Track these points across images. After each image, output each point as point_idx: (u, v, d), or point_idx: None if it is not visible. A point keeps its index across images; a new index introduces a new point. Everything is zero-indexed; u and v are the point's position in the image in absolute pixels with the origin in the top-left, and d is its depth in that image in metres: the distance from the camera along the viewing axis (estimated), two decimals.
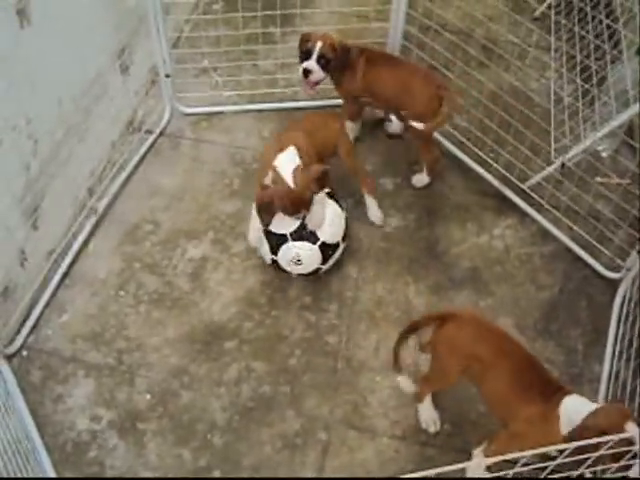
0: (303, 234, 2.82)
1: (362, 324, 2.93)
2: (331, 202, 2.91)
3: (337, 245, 2.91)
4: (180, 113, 3.54)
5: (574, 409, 2.18)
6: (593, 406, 2.18)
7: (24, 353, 2.82)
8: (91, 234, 3.12)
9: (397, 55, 3.41)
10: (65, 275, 3.00)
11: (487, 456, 2.49)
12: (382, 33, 3.50)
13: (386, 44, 3.41)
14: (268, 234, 2.85)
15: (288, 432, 2.66)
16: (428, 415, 2.67)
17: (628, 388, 2.57)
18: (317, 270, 2.92)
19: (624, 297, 2.96)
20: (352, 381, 2.78)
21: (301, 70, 3.10)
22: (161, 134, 3.47)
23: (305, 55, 3.10)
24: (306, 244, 2.82)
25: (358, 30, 3.67)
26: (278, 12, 3.39)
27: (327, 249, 2.87)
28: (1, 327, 2.72)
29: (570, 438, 2.09)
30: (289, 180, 2.68)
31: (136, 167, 3.34)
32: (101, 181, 3.18)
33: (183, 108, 3.52)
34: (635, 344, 2.64)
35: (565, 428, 2.17)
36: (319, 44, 3.04)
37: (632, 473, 2.02)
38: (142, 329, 2.88)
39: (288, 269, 2.90)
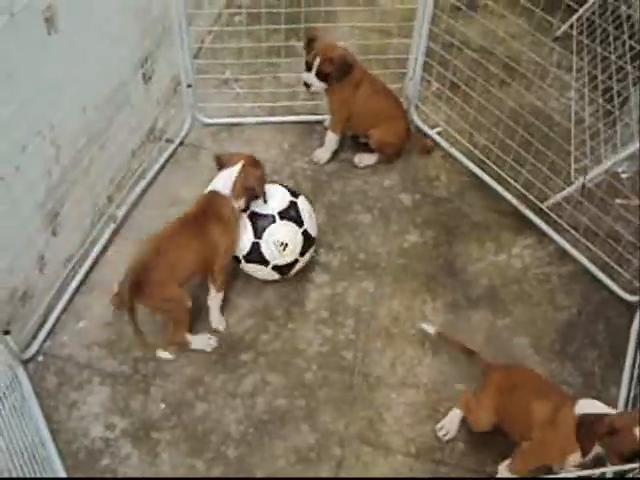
0: (290, 214, 2.84)
1: (378, 340, 2.92)
2: (283, 224, 2.83)
3: (314, 240, 2.94)
4: (200, 123, 3.56)
5: (589, 407, 2.29)
6: (608, 409, 2.29)
7: (40, 358, 2.82)
8: (109, 242, 3.13)
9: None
10: (82, 282, 3.00)
11: (513, 471, 2.50)
12: (404, 49, 3.51)
13: (408, 60, 3.42)
14: (253, 216, 2.82)
15: (302, 446, 2.65)
16: (451, 425, 2.69)
17: None
18: (293, 264, 2.90)
19: None
20: (368, 397, 2.77)
21: (302, 79, 3.23)
22: (181, 144, 3.49)
23: (307, 66, 3.20)
24: (292, 225, 2.83)
25: (379, 46, 3.69)
26: (302, 25, 3.42)
27: (308, 239, 2.89)
28: (18, 331, 2.72)
29: (580, 422, 2.22)
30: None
31: (155, 176, 3.35)
32: (120, 189, 3.19)
33: (204, 118, 3.54)
34: None
35: None
36: (317, 61, 3.13)
37: None
38: (158, 338, 2.87)
39: (267, 256, 2.84)
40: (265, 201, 2.78)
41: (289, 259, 2.89)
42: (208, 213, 2.69)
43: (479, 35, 3.62)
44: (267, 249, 2.83)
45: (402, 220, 3.28)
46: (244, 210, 2.80)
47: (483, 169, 3.43)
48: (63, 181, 2.77)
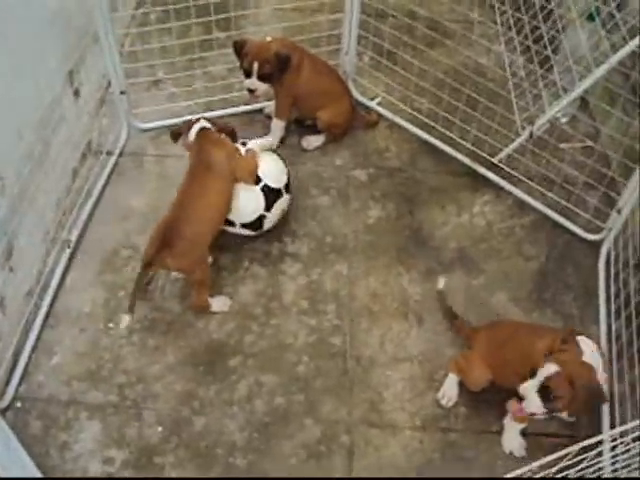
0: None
1: (363, 321, 2.90)
2: (269, 152, 2.99)
3: (279, 191, 2.94)
4: (138, 130, 3.40)
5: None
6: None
7: (18, 404, 2.65)
8: (67, 268, 2.96)
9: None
10: (47, 315, 2.84)
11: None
12: (332, 26, 3.47)
13: (341, 35, 3.37)
14: None
15: (310, 441, 2.61)
16: (451, 391, 2.72)
17: (635, 347, 2.63)
18: (260, 219, 2.92)
19: (608, 257, 3.05)
20: (364, 379, 2.76)
21: (245, 87, 3.16)
22: (122, 154, 3.33)
23: (245, 72, 3.13)
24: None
25: (305, 25, 3.62)
26: (222, 16, 3.32)
27: (270, 194, 2.90)
28: None
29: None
30: None
31: (102, 191, 3.19)
32: (70, 211, 3.02)
33: (140, 124, 3.39)
34: (633, 302, 2.71)
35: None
36: (255, 65, 3.07)
37: None
38: (140, 359, 2.76)
39: (232, 218, 2.91)
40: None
41: (253, 216, 2.91)
42: (207, 147, 2.80)
43: (398, 2, 3.59)
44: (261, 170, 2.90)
45: (361, 197, 3.25)
46: None
47: (430, 133, 3.43)
48: (13, 213, 2.59)
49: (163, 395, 2.69)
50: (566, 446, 1.75)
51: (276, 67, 3.09)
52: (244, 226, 2.93)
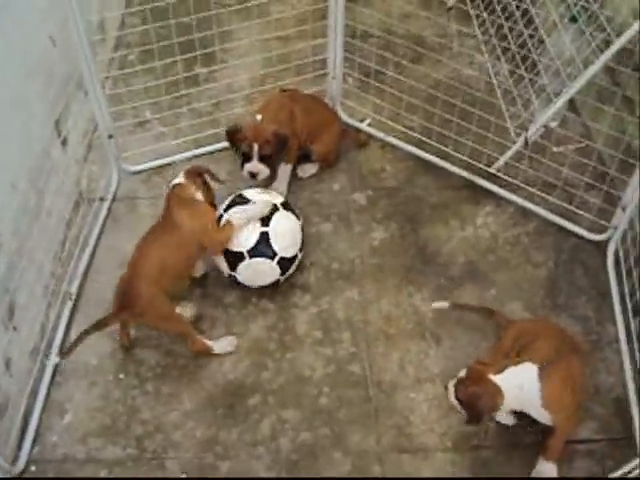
0: (260, 250, 2.81)
1: (380, 345, 2.83)
2: (286, 214, 2.89)
3: (295, 257, 2.91)
4: (128, 173, 3.34)
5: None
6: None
7: (32, 468, 2.54)
8: (70, 321, 2.87)
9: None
10: (55, 372, 2.74)
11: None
12: (315, 51, 3.46)
13: (327, 59, 3.36)
14: (225, 253, 2.84)
15: (341, 474, 2.53)
16: None
17: None
18: (277, 282, 2.92)
19: (616, 255, 3.03)
20: (389, 405, 2.68)
21: (246, 173, 3.09)
22: (114, 199, 3.26)
23: (246, 157, 3.07)
24: (265, 260, 2.82)
25: (288, 53, 3.60)
26: (199, 52, 3.28)
27: (286, 262, 2.87)
28: (2, 447, 2.44)
29: None
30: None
31: (98, 239, 3.12)
32: (68, 262, 2.93)
33: (130, 167, 3.32)
34: None
35: None
36: (255, 148, 3.02)
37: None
38: (156, 408, 2.66)
39: (247, 284, 2.91)
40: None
41: (269, 281, 2.89)
42: (171, 204, 2.77)
43: (377, 21, 3.60)
44: (244, 281, 2.85)
45: (363, 220, 3.21)
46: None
47: (424, 149, 3.42)
48: (13, 270, 2.50)
49: (184, 443, 2.59)
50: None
51: (276, 147, 3.04)
52: (281, 262, 2.86)
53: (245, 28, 3.70)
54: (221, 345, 2.81)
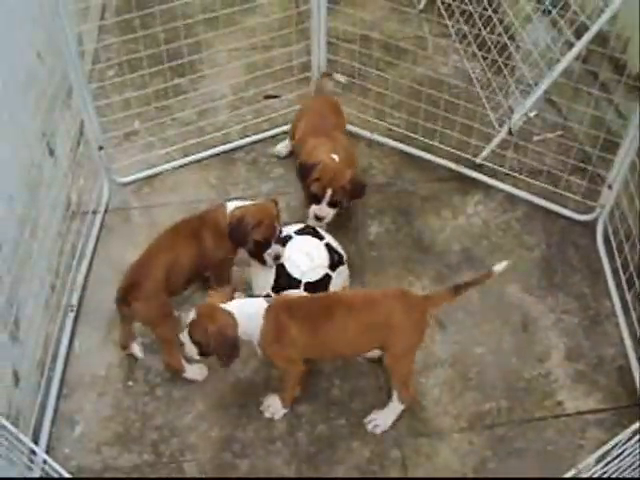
0: (282, 284, 2.67)
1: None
2: (301, 238, 2.75)
3: (326, 276, 2.69)
4: (118, 184, 3.32)
5: None
6: None
7: None
8: (73, 333, 2.83)
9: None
10: (61, 384, 2.69)
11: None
12: (287, 58, 3.54)
13: (311, 62, 3.41)
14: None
15: (361, 462, 2.53)
16: None
17: None
18: (326, 280, 2.71)
19: (605, 232, 3.13)
20: None
21: (312, 215, 2.97)
22: (107, 211, 3.25)
23: (315, 199, 2.94)
24: (312, 239, 2.74)
25: (267, 59, 3.65)
26: (177, 62, 3.35)
27: (312, 287, 2.66)
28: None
29: None
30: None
31: (95, 251, 3.10)
32: (66, 275, 2.89)
33: (120, 178, 3.31)
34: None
35: None
36: (329, 192, 2.89)
37: None
38: (168, 413, 2.64)
39: (295, 274, 2.73)
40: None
41: (320, 272, 2.68)
42: (206, 221, 2.70)
43: (358, 20, 3.68)
44: (293, 265, 2.66)
45: (357, 216, 3.25)
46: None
47: (410, 144, 3.49)
48: (15, 284, 2.46)
49: (200, 445, 2.57)
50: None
51: (351, 195, 2.93)
52: (308, 286, 2.67)
53: (226, 36, 3.75)
54: (193, 371, 2.72)
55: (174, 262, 2.63)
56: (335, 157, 2.94)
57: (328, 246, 2.74)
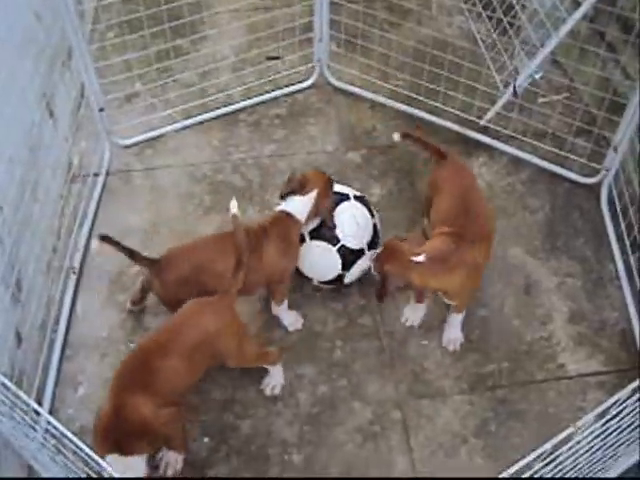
0: (322, 233, 2.70)
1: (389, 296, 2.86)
2: (356, 204, 2.77)
3: (360, 251, 2.73)
4: (120, 147, 3.30)
5: None
6: None
7: (52, 442, 2.51)
8: (76, 295, 2.84)
9: None
10: (64, 346, 2.71)
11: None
12: (290, 19, 3.46)
13: (313, 22, 3.34)
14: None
15: (362, 424, 2.55)
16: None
17: None
18: (339, 278, 2.76)
19: (609, 196, 3.10)
20: (402, 353, 2.72)
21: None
22: (108, 173, 3.22)
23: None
24: (325, 245, 2.70)
25: (269, 19, 3.59)
26: (176, 22, 3.26)
27: (348, 254, 2.71)
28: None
29: None
30: None
31: (96, 214, 3.08)
32: (68, 237, 2.89)
33: (121, 141, 3.28)
34: None
35: None
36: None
37: None
38: None
39: (308, 274, 2.78)
40: (333, 226, 2.69)
41: (330, 276, 2.74)
42: (274, 231, 2.57)
43: None
44: (340, 223, 2.68)
45: (360, 178, 3.23)
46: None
47: (414, 106, 3.44)
48: (17, 246, 2.46)
49: (202, 406, 2.59)
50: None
51: None
52: (342, 251, 2.70)
53: None
54: (290, 318, 2.78)
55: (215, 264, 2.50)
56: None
57: (375, 226, 2.78)
